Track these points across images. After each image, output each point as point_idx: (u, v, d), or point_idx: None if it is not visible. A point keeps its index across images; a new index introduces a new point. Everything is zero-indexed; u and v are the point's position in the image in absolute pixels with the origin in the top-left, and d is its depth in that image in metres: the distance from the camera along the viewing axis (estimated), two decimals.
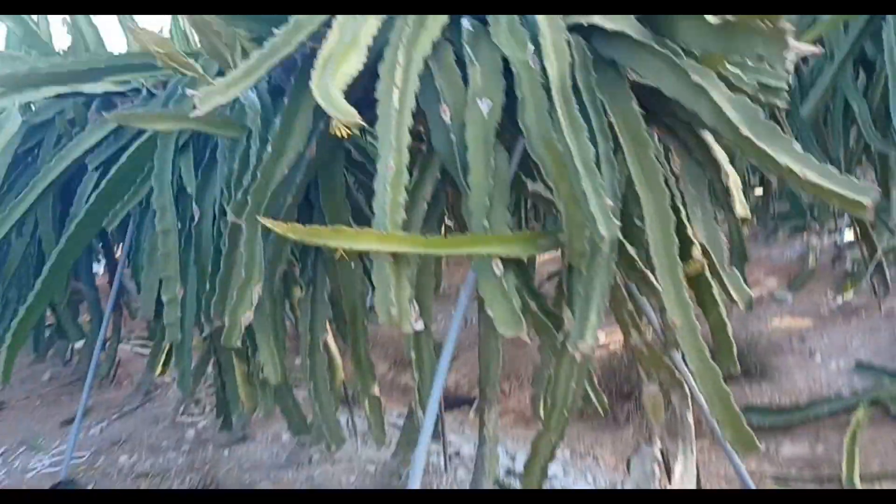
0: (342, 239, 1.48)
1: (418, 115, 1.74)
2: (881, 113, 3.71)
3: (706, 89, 1.62)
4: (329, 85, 1.38)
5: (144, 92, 3.07)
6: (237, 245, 2.08)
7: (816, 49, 1.51)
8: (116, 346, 4.02)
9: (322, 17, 1.76)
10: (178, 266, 2.32)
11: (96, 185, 2.75)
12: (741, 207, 2.02)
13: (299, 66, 1.90)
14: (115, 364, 4.45)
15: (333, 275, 2.13)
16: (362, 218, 2.27)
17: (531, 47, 1.65)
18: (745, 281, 1.99)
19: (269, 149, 1.80)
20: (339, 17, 1.60)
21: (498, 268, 1.60)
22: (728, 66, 2.01)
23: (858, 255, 6.15)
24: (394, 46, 1.70)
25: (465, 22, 1.88)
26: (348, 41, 1.53)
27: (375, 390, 2.16)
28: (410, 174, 1.67)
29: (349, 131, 1.38)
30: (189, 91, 1.52)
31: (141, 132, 2.69)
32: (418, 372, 1.85)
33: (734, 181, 2.02)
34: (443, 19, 1.83)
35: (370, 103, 1.65)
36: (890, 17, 3.33)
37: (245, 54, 1.93)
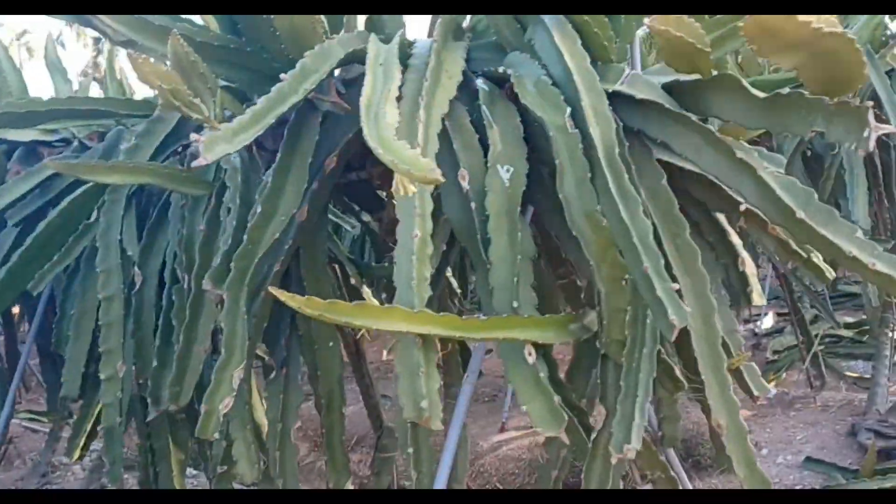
0: (367, 317, 1.25)
1: None
2: (831, 203, 3.75)
3: (754, 167, 1.49)
4: (390, 138, 1.17)
5: (76, 143, 2.77)
6: (199, 316, 1.82)
7: (894, 128, 1.41)
8: (8, 422, 3.55)
9: (329, 63, 1.57)
10: (121, 338, 2.00)
11: (17, 243, 2.42)
12: (758, 296, 1.89)
13: (291, 119, 1.69)
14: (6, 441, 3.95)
15: (310, 355, 1.87)
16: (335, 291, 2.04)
17: (568, 109, 1.49)
18: None
19: (259, 209, 1.55)
20: (370, 69, 1.40)
21: (531, 356, 1.39)
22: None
23: (778, 344, 6.27)
24: (412, 101, 1.51)
25: (480, 82, 1.72)
26: (382, 91, 1.34)
27: (349, 487, 1.89)
28: None
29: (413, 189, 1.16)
30: (193, 136, 1.28)
31: (73, 186, 2.39)
32: (416, 471, 1.60)
33: (750, 267, 1.90)
34: (457, 76, 1.66)
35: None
36: None
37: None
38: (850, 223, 1.42)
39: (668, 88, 1.70)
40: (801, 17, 1.13)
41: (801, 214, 1.43)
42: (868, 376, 5.23)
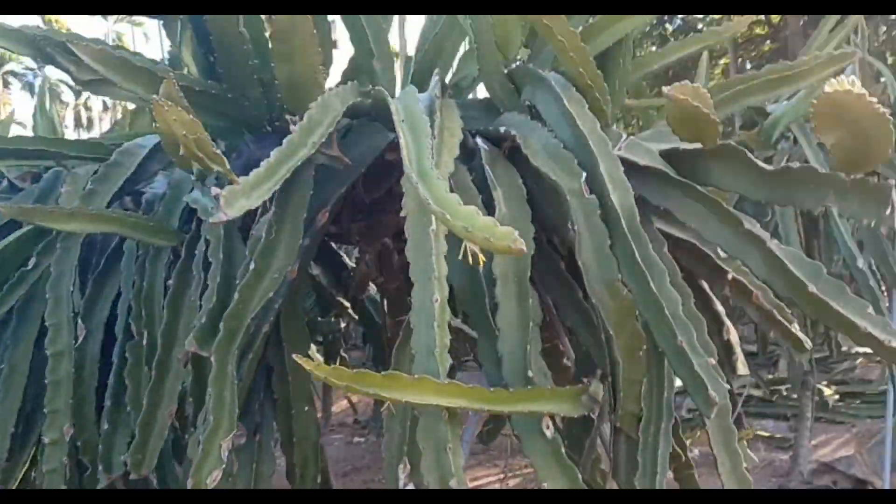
0: (397, 389, 1.15)
1: None
2: None
3: (763, 240, 1.49)
4: (455, 203, 1.10)
5: (5, 182, 2.58)
6: (165, 378, 1.68)
7: None
8: None
9: (332, 115, 1.49)
10: (69, 398, 1.82)
11: None
12: (742, 366, 1.89)
13: None
14: None
15: (285, 420, 1.75)
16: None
17: (584, 175, 1.46)
18: None
19: (252, 266, 1.44)
20: (398, 125, 1.34)
21: (549, 429, 1.33)
22: None
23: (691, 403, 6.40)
24: (420, 160, 1.45)
25: (479, 141, 1.68)
26: (424, 152, 1.27)
27: None
28: None
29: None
30: (214, 190, 1.17)
31: (4, 230, 2.20)
32: None
33: (734, 337, 1.90)
34: (458, 135, 1.61)
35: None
36: None
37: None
38: (860, 299, 1.43)
39: (667, 156, 1.69)
40: (867, 96, 1.13)
41: (812, 289, 1.43)
42: (780, 435, 5.39)
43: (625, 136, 1.72)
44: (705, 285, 1.90)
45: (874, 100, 1.13)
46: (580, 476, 1.27)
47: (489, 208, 1.55)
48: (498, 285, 1.45)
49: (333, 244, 2.71)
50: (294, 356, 1.12)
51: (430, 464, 1.17)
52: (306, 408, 1.74)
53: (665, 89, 1.44)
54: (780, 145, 3.75)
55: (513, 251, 1.05)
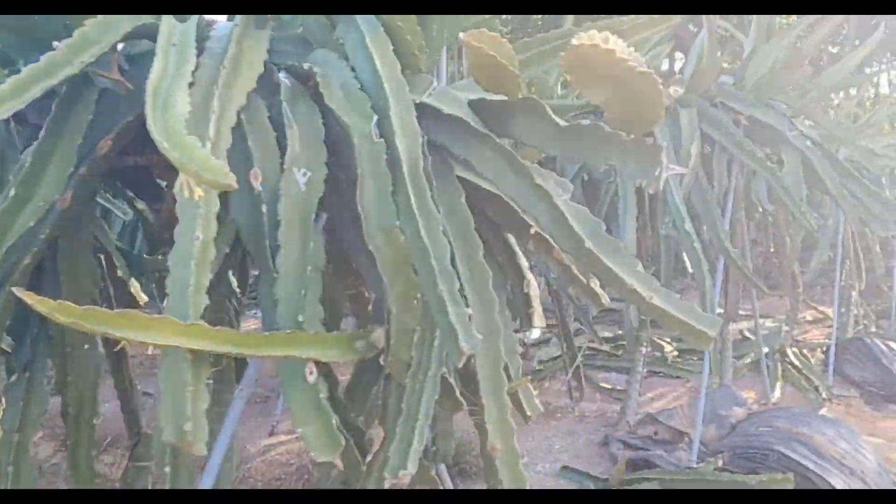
0: (132, 327, 1.10)
1: None
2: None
3: (550, 195, 1.51)
4: (180, 131, 1.03)
5: None
6: None
7: (685, 170, 1.47)
8: None
9: (113, 35, 1.39)
10: None
11: None
12: (538, 319, 1.93)
13: (62, 93, 1.48)
14: None
15: (60, 359, 1.66)
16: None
17: (375, 118, 1.42)
18: None
19: (12, 193, 1.34)
20: (161, 48, 1.25)
21: (312, 374, 1.31)
22: None
23: (544, 354, 6.61)
24: (205, 89, 1.38)
25: (283, 76, 1.61)
26: (174, 76, 1.19)
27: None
28: None
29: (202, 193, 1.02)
30: None
31: None
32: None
33: (534, 290, 1.93)
34: (258, 68, 1.54)
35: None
36: None
37: None
38: (632, 257, 1.47)
39: (475, 106, 1.68)
40: (618, 52, 1.14)
41: (589, 244, 1.46)
42: (620, 388, 5.65)
43: (435, 83, 1.69)
44: (512, 238, 1.91)
45: (627, 56, 1.14)
46: (335, 421, 1.26)
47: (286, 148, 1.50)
48: (281, 227, 1.40)
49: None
50: (14, 289, 1.04)
51: (166, 407, 1.13)
52: (86, 346, 1.65)
53: (461, 35, 1.41)
54: None
55: (221, 186, 1.01)
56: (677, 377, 6.16)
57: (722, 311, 5.17)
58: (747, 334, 7.04)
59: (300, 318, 1.33)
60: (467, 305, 1.46)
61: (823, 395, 5.55)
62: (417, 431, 1.34)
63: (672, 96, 3.78)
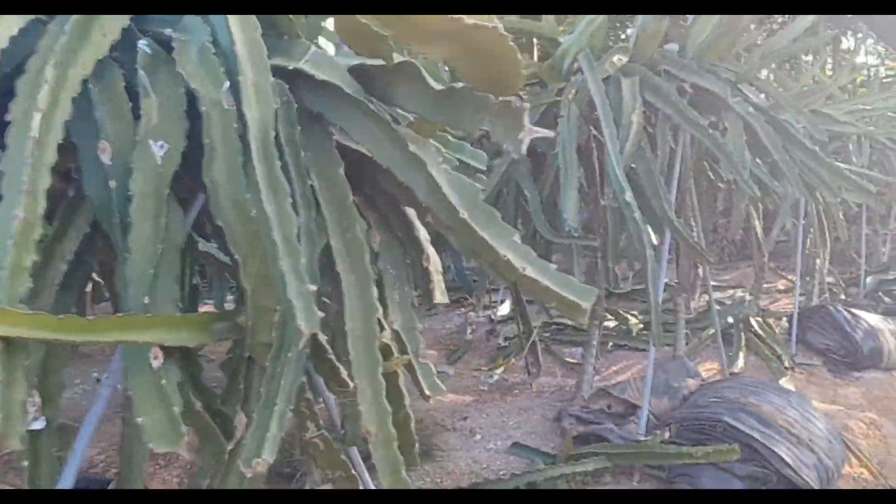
0: None
1: (68, 150, 1.33)
2: (550, 202, 3.92)
3: (425, 163, 1.43)
4: None
5: None
6: None
7: (550, 132, 1.39)
8: None
9: None
10: None
11: None
12: (440, 293, 1.85)
13: None
14: None
15: None
16: None
17: (227, 84, 1.33)
18: None
19: None
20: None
21: (156, 360, 1.23)
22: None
23: (511, 331, 6.55)
24: (42, 58, 1.28)
25: (143, 43, 1.51)
26: None
27: None
28: (50, 224, 1.26)
29: None
30: None
31: None
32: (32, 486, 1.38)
33: (435, 264, 1.86)
34: (113, 32, 1.44)
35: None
36: (564, 115, 3.51)
37: None
38: (509, 227, 1.40)
39: (355, 72, 1.59)
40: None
41: (464, 215, 1.38)
42: (580, 362, 5.61)
43: (313, 48, 1.60)
44: (410, 211, 1.84)
45: None
46: (176, 410, 1.18)
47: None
48: (133, 203, 1.32)
49: None
50: None
51: None
52: None
53: None
54: (577, 77, 3.74)
55: None
56: (643, 349, 6.12)
57: (677, 282, 5.14)
58: (715, 305, 7.00)
59: (146, 300, 1.25)
60: (331, 281, 1.39)
61: (786, 364, 5.53)
62: (276, 417, 1.27)
63: (616, 65, 3.70)
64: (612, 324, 6.71)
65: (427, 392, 1.72)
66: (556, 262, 4.65)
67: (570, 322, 6.60)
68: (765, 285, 7.82)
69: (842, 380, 5.45)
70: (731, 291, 8.30)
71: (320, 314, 1.19)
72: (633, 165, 3.49)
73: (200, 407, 1.35)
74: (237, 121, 1.30)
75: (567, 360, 5.80)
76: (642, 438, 3.53)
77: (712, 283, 8.63)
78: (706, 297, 7.54)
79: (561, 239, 3.77)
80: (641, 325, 6.47)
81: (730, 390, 3.72)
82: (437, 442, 3.88)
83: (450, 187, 1.42)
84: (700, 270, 7.68)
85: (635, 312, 6.89)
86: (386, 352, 1.73)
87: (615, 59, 3.69)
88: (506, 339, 6.37)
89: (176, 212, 1.37)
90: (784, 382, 5.12)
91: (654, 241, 3.75)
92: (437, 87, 1.44)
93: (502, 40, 1.13)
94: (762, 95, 3.74)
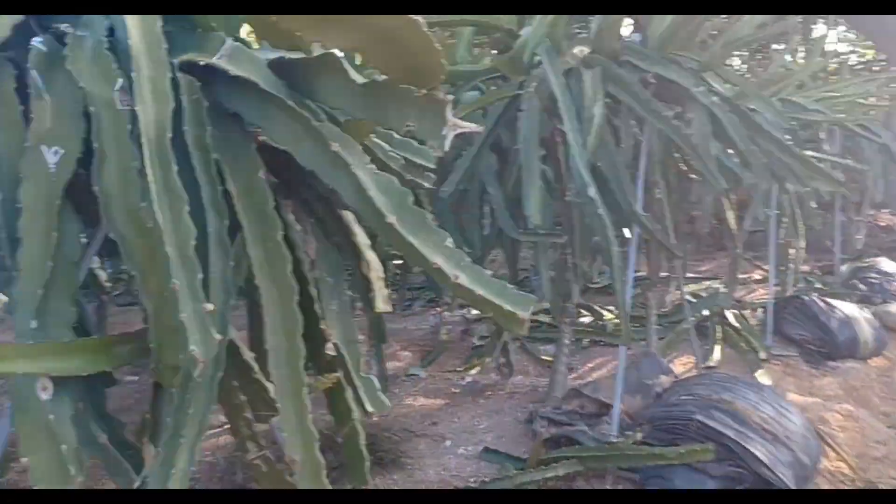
0: None
1: None
2: (514, 199, 3.80)
3: (348, 163, 1.31)
4: None
5: None
6: None
7: (476, 127, 1.27)
8: None
9: None
10: None
11: None
12: (382, 302, 1.74)
13: None
14: None
15: None
16: None
17: (120, 81, 1.21)
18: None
19: None
20: None
21: (45, 391, 1.10)
22: (374, 137, 1.76)
23: (485, 330, 6.44)
24: None
25: (38, 40, 1.38)
26: None
27: None
28: None
29: None
30: None
31: None
32: None
33: (376, 271, 1.74)
34: (2, 29, 1.31)
35: None
36: (525, 109, 3.40)
37: None
38: (441, 231, 1.28)
39: (276, 67, 1.47)
40: None
41: (391, 219, 1.26)
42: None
43: (230, 41, 1.48)
44: (348, 215, 1.72)
45: None
46: (66, 448, 1.05)
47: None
48: (23, 217, 1.19)
49: None
50: None
51: None
52: None
53: None
54: (538, 70, 3.63)
55: None
56: (618, 345, 6.03)
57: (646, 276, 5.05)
58: (690, 298, 6.93)
59: (33, 325, 1.12)
60: (249, 295, 1.27)
61: (762, 356, 5.45)
62: (184, 451, 1.15)
63: (577, 56, 3.59)
64: (587, 319, 6.63)
65: (369, 409, 1.59)
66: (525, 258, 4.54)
67: (545, 319, 6.51)
68: (740, 276, 7.77)
69: (818, 371, 5.38)
70: (706, 283, 8.22)
71: (219, 337, 1.06)
72: (596, 161, 3.38)
73: (107, 439, 1.22)
74: (131, 122, 1.17)
75: (543, 357, 5.68)
76: (614, 440, 3.42)
77: (688, 274, 8.58)
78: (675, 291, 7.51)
79: (525, 237, 3.66)
80: (617, 321, 6.37)
81: (702, 387, 3.63)
82: (406, 449, 3.75)
83: (376, 189, 1.30)
84: (673, 263, 7.63)
85: (611, 308, 6.79)
86: (330, 367, 1.62)
87: (577, 50, 3.59)
88: (481, 338, 6.25)
89: (71, 224, 1.24)
90: (760, 375, 5.04)
91: (628, 234, 3.65)
92: (360, 80, 1.32)
93: (412, 25, 1.01)
94: (728, 85, 3.65)
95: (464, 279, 1.23)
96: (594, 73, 3.41)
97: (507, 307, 1.22)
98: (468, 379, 4.95)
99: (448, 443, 3.89)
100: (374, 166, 1.35)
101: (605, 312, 6.53)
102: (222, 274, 1.23)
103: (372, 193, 1.28)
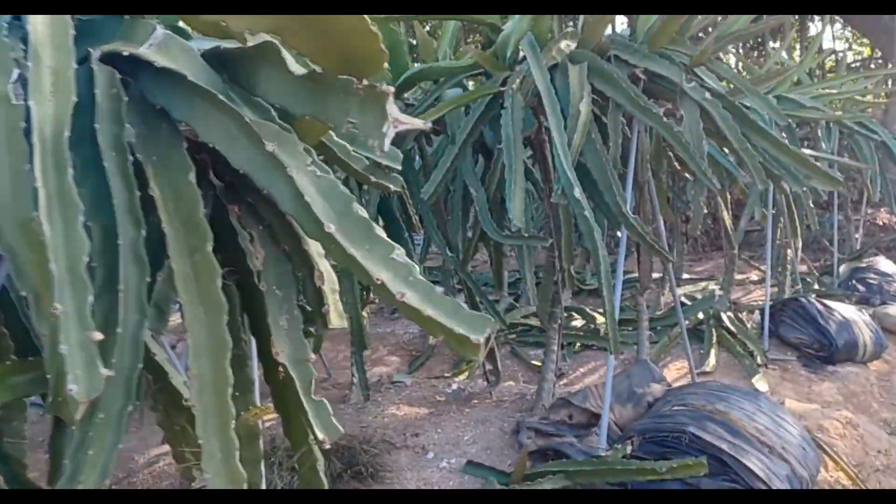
0: None
1: None
2: (497, 200, 3.66)
3: (284, 164, 1.16)
4: None
5: None
6: None
7: (422, 123, 1.12)
8: None
9: None
10: None
11: None
12: (337, 317, 1.58)
13: None
14: None
15: None
16: None
17: (16, 72, 1.05)
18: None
19: None
20: None
21: None
22: (336, 137, 1.61)
23: None
24: None
25: None
26: None
27: None
28: None
29: None
30: None
31: None
32: None
33: (329, 282, 1.58)
34: None
35: None
36: (508, 106, 3.24)
37: None
38: (389, 243, 1.13)
39: (210, 58, 1.32)
40: None
41: (329, 228, 1.11)
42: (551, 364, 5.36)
43: (160, 29, 1.32)
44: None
45: None
46: None
47: None
48: None
49: None
50: None
51: None
52: None
53: None
54: (522, 65, 3.48)
55: None
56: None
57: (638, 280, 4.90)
58: (684, 300, 6.79)
59: None
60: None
61: (759, 360, 5.31)
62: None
63: (563, 51, 3.44)
64: (579, 323, 6.48)
65: (320, 435, 1.44)
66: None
67: (535, 322, 6.36)
68: (737, 276, 7.63)
69: (816, 375, 5.24)
70: (703, 284, 8.07)
71: (107, 373, 0.91)
72: (582, 160, 3.23)
73: (2, 481, 1.07)
74: (26, 119, 1.02)
75: (533, 362, 5.54)
76: (603, 453, 3.27)
77: (685, 275, 8.45)
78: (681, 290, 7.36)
79: (509, 240, 3.51)
80: None
81: (695, 396, 3.48)
82: (386, 462, 3.60)
83: (316, 194, 1.15)
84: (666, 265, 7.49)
85: (601, 310, 6.65)
86: (283, 387, 1.47)
87: (562, 44, 3.43)
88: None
89: None
90: (757, 381, 4.90)
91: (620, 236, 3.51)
92: (299, 71, 1.17)
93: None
94: (723, 82, 3.50)
95: (411, 297, 1.08)
96: (580, 69, 3.26)
97: (459, 330, 1.07)
98: (454, 386, 4.80)
99: (430, 455, 3.74)
100: (315, 169, 1.19)
101: (597, 316, 6.39)
102: (137, 291, 1.08)
103: (310, 198, 1.13)
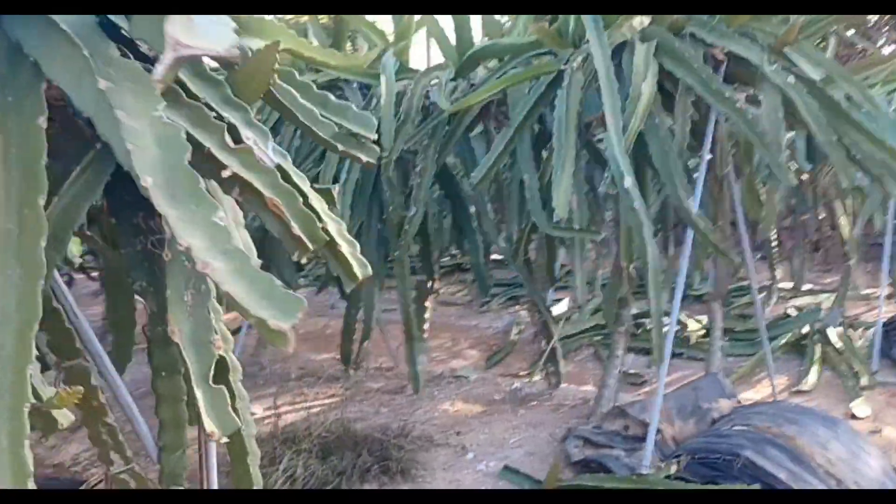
0: None
1: None
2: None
3: (111, 105, 0.98)
4: None
5: None
6: None
7: (223, 50, 0.91)
8: None
9: None
10: None
11: None
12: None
13: None
14: None
15: None
16: None
17: None
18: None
19: None
20: None
21: None
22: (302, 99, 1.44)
23: (564, 330, 5.99)
24: None
25: None
26: None
27: None
28: None
29: None
30: None
31: None
32: None
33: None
34: None
35: None
36: (565, 86, 2.97)
37: None
38: (212, 203, 0.94)
39: None
40: None
41: (147, 182, 0.93)
42: (634, 371, 5.01)
43: None
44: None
45: None
46: None
47: None
48: None
49: None
50: None
51: None
52: None
53: None
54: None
55: None
56: (701, 359, 5.46)
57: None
58: (790, 312, 6.24)
59: None
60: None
61: (863, 381, 4.76)
62: None
63: (635, 28, 3.14)
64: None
65: (210, 429, 1.26)
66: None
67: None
68: (865, 291, 6.97)
69: None
70: (825, 296, 7.41)
71: None
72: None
73: None
74: None
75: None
76: (645, 471, 2.96)
77: (810, 286, 7.79)
78: (784, 303, 6.79)
79: (559, 232, 3.23)
80: (704, 332, 5.78)
81: (762, 417, 3.10)
82: (421, 459, 3.41)
83: (149, 141, 0.97)
84: (776, 272, 6.92)
85: (702, 317, 6.20)
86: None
87: (636, 21, 3.13)
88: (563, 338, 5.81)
89: None
90: (858, 404, 4.38)
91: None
92: None
93: None
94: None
95: (217, 268, 0.88)
96: (648, 47, 2.95)
97: (259, 312, 0.87)
98: (515, 385, 4.55)
99: (470, 455, 3.52)
100: (161, 114, 1.01)
101: (690, 322, 5.96)
102: None
103: (132, 146, 0.95)
